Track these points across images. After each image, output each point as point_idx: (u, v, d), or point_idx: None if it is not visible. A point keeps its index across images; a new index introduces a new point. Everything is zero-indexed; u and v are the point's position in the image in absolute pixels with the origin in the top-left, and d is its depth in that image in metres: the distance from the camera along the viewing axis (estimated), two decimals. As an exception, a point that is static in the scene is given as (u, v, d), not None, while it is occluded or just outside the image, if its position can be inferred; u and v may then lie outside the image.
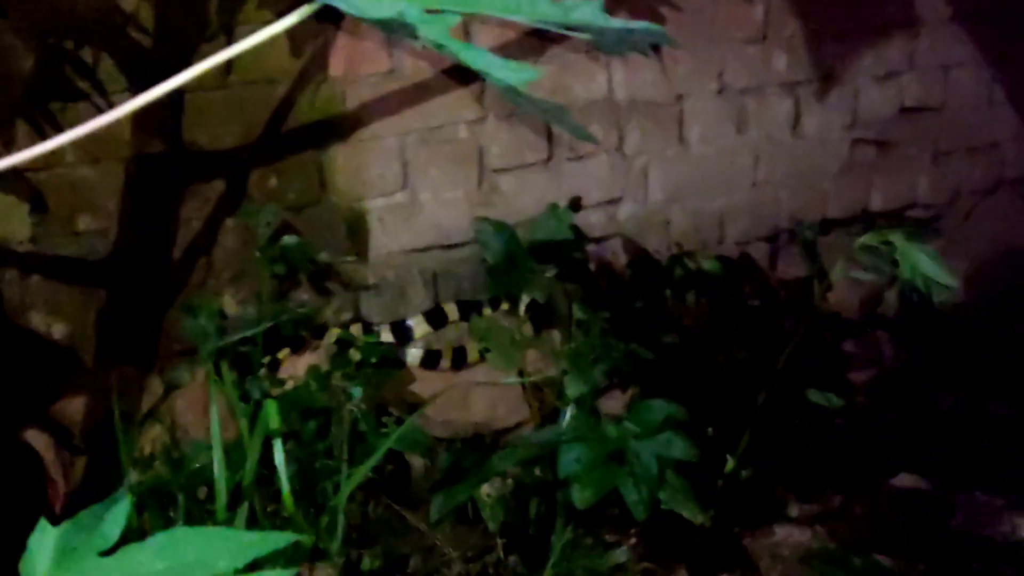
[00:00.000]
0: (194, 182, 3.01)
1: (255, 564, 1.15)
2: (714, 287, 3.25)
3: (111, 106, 2.69)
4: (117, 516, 1.16)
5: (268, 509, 2.68)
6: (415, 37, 1.10)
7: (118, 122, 2.79)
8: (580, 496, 2.49)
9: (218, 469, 2.41)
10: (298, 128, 3.08)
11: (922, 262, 2.53)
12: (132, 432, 2.85)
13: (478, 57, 1.12)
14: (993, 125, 4.08)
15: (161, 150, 2.94)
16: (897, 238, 2.59)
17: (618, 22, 1.19)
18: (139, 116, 2.85)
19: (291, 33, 2.97)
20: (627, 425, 2.60)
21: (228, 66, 2.94)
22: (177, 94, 2.89)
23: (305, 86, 3.05)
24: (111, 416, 2.81)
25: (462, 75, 3.20)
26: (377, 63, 3.12)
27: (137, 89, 1.17)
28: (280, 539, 1.18)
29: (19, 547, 1.13)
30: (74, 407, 2.91)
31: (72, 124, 2.69)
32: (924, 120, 3.96)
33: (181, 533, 1.16)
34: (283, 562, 2.34)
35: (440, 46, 1.13)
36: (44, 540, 1.14)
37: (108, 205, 2.91)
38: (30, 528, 1.15)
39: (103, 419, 2.86)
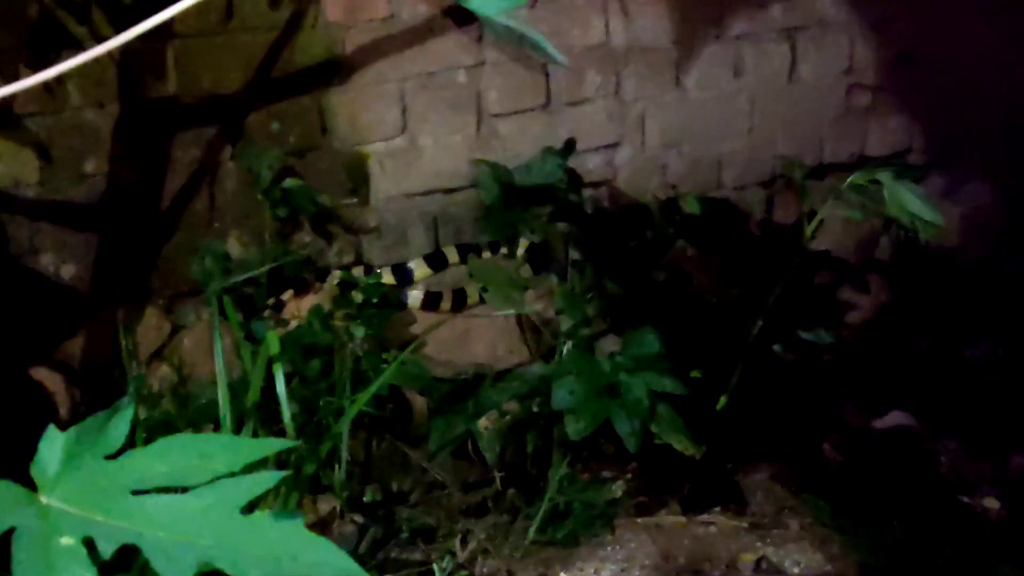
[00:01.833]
0: (196, 126, 3.06)
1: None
2: (699, 229, 3.30)
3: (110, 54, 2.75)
4: (121, 422, 1.21)
5: (272, 441, 2.76)
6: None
7: (121, 66, 2.85)
8: (574, 427, 2.56)
9: (222, 400, 2.49)
10: (298, 73, 3.14)
11: (908, 200, 2.59)
12: (136, 368, 2.92)
13: (457, -15, 1.17)
14: (993, 70, 4.10)
15: (163, 94, 3.00)
16: (885, 177, 2.64)
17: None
18: (141, 60, 2.92)
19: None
20: (619, 360, 2.67)
21: (228, 12, 2.98)
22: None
23: (303, 31, 3.10)
24: (118, 354, 2.90)
25: (461, 20, 3.24)
26: (376, 8, 3.17)
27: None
28: (276, 444, 1.25)
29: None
30: (82, 345, 2.99)
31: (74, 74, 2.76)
32: (922, 65, 3.99)
33: (181, 438, 1.22)
34: (284, 490, 2.42)
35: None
36: (53, 444, 1.19)
37: (113, 148, 2.97)
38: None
39: (111, 357, 2.94)
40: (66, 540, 1.10)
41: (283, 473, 1.21)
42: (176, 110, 3.04)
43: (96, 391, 2.96)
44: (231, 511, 1.13)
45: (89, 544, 1.10)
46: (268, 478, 1.20)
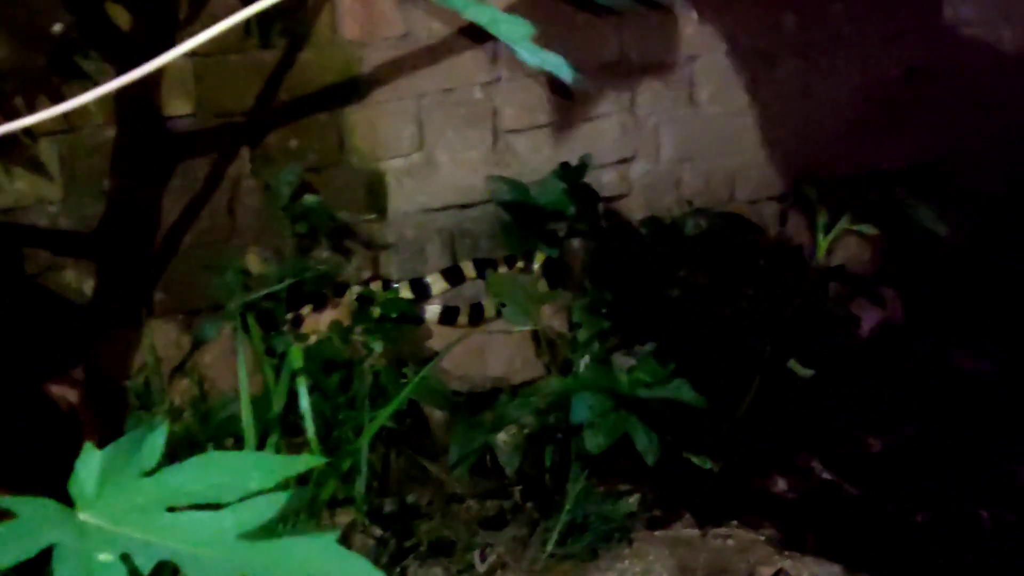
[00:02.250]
0: (215, 142, 3.09)
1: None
2: (712, 244, 3.33)
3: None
4: (156, 441, 1.24)
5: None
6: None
7: (140, 84, 2.88)
8: (593, 441, 2.59)
9: (245, 415, 2.51)
10: (317, 90, 3.17)
11: (922, 213, 2.61)
12: (158, 382, 2.96)
13: (482, 12, 1.20)
14: (1001, 83, 4.11)
15: (183, 112, 3.03)
16: (898, 191, 2.67)
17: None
18: (160, 78, 2.96)
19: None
20: (638, 374, 2.69)
21: (247, 29, 3.02)
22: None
23: (321, 49, 3.13)
24: (140, 369, 2.93)
25: (476, 37, 3.27)
26: (392, 26, 3.20)
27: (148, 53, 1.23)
28: (308, 461, 1.27)
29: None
30: (102, 361, 3.01)
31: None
32: (932, 79, 4.00)
33: (215, 456, 1.25)
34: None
35: (446, 0, 1.22)
36: (90, 463, 1.21)
37: (133, 166, 3.00)
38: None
39: (131, 373, 2.97)
40: (104, 556, 1.12)
41: (314, 491, 1.23)
42: (195, 127, 3.07)
43: (117, 407, 2.99)
44: (265, 527, 1.16)
45: (126, 560, 1.13)
46: (301, 495, 1.23)
